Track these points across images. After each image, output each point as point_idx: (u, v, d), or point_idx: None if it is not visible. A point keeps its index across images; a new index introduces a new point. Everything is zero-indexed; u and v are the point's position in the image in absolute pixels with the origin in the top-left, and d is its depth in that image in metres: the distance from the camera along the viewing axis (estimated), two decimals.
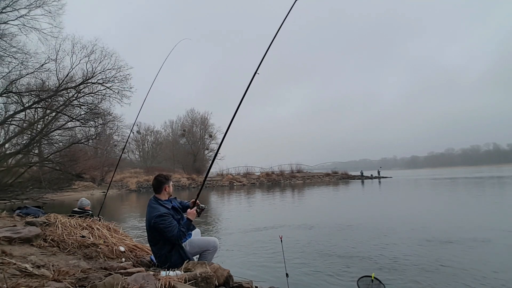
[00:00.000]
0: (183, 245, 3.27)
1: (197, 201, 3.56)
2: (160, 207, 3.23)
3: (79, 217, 4.74)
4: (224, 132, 4.12)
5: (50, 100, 15.56)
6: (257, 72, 4.02)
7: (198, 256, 3.46)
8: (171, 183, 3.51)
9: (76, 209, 5.97)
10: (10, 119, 15.98)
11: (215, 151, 48.89)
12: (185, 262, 3.07)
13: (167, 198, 3.45)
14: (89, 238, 3.94)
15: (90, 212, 5.91)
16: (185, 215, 3.45)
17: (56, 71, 15.57)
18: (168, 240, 3.14)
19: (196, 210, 3.46)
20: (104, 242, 3.88)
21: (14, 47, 14.76)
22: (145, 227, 3.37)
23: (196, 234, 3.66)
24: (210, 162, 48.21)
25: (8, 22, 14.78)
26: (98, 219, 5.40)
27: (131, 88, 16.66)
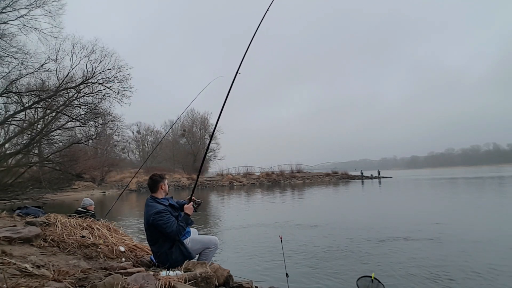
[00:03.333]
0: (184, 241, 3.28)
1: (193, 196, 3.59)
2: (157, 204, 3.26)
3: (79, 217, 4.73)
4: (215, 123, 4.17)
5: (50, 100, 15.52)
6: (239, 72, 4.08)
7: (198, 255, 3.46)
8: (166, 181, 3.53)
9: (79, 208, 5.98)
10: (10, 119, 15.94)
11: (215, 150, 49.00)
12: (186, 260, 3.08)
13: (163, 197, 3.47)
14: (89, 238, 3.93)
15: (92, 212, 5.91)
16: (182, 213, 3.47)
17: (56, 71, 15.56)
18: (167, 237, 3.15)
19: (193, 205, 3.49)
20: (104, 242, 3.87)
21: (14, 47, 14.73)
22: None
23: (194, 234, 3.67)
24: (210, 161, 48.48)
25: (8, 22, 14.76)
26: (104, 220, 5.37)
27: (131, 88, 16.65)
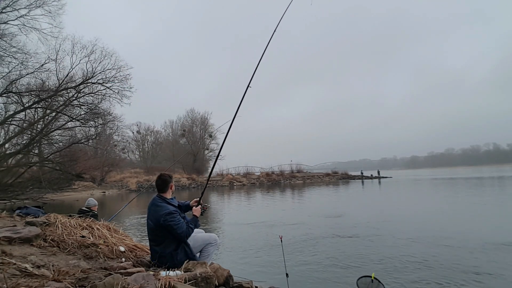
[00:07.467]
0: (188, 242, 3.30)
1: (201, 200, 3.66)
2: (167, 205, 3.25)
3: (79, 217, 4.74)
4: (223, 139, 4.26)
5: (50, 100, 15.49)
6: (249, 85, 4.13)
7: (199, 254, 3.47)
8: (173, 181, 3.56)
9: (83, 208, 6.03)
10: (10, 119, 15.92)
11: (215, 150, 49.04)
12: (186, 261, 3.08)
13: (171, 197, 3.47)
14: (89, 238, 3.93)
15: (95, 212, 5.96)
16: (186, 214, 3.50)
17: (56, 71, 15.53)
18: (174, 238, 3.15)
19: (200, 208, 3.55)
20: (104, 242, 3.87)
21: (14, 47, 14.72)
22: (145, 227, 3.38)
23: (197, 231, 3.69)
24: (210, 162, 48.51)
25: (8, 22, 14.75)
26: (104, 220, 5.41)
27: (131, 88, 16.63)
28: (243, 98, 4.13)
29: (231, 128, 4.11)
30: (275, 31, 4.66)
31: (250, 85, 4.15)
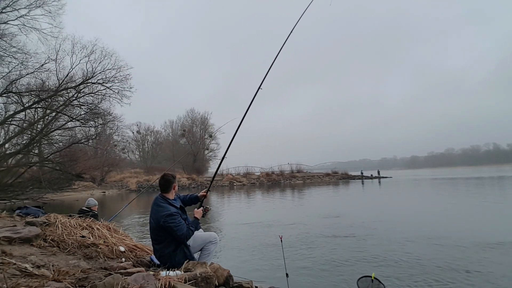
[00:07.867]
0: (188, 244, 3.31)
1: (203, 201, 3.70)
2: (169, 206, 3.24)
3: (79, 217, 4.74)
4: (231, 139, 4.30)
5: (50, 100, 15.49)
6: (260, 87, 4.18)
7: (198, 253, 3.47)
8: (176, 181, 3.55)
9: (83, 208, 6.05)
10: (10, 119, 15.92)
11: (215, 150, 49.18)
12: (186, 261, 3.08)
13: (174, 197, 3.46)
14: (89, 238, 3.93)
15: (95, 212, 5.96)
16: (187, 214, 3.49)
17: (56, 71, 15.53)
18: (174, 239, 3.15)
19: (202, 210, 3.58)
20: (104, 242, 3.87)
21: (14, 47, 14.73)
22: (146, 227, 3.39)
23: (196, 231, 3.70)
24: (211, 162, 48.57)
25: (8, 22, 14.76)
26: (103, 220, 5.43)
27: (131, 88, 16.63)
28: (253, 99, 4.19)
29: (238, 129, 4.17)
30: (291, 33, 4.70)
31: (261, 87, 4.23)
